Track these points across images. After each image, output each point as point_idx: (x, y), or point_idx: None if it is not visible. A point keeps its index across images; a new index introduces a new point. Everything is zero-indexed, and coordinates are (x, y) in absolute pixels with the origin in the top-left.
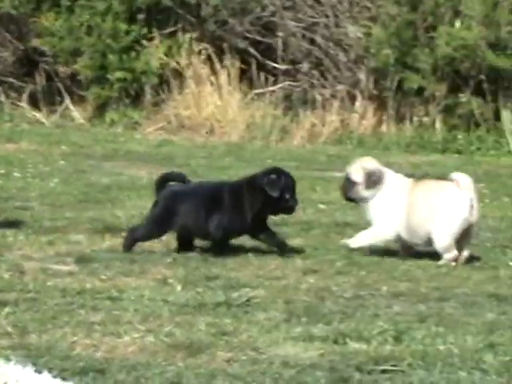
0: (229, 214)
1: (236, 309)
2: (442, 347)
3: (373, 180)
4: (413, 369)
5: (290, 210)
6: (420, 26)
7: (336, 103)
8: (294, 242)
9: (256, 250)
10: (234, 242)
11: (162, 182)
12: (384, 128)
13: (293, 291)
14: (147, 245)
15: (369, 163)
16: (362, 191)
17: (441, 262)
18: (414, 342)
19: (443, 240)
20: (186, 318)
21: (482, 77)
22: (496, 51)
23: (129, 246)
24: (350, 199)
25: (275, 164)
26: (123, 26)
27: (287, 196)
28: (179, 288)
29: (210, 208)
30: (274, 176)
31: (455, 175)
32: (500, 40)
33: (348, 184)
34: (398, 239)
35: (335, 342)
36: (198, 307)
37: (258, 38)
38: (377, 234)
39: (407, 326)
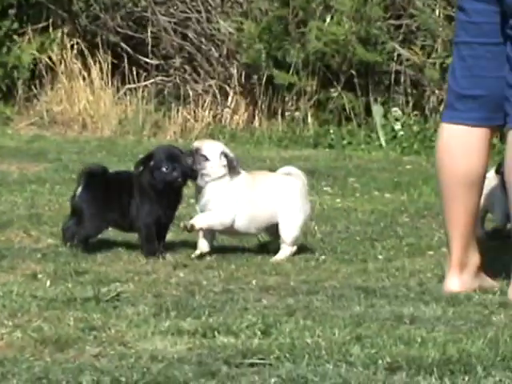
0: (141, 204)
1: (105, 304)
2: (309, 340)
3: (233, 166)
4: (280, 362)
5: (172, 180)
6: (291, 21)
7: (208, 98)
8: None
9: (127, 245)
10: (104, 236)
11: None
12: (256, 123)
13: (162, 285)
14: (17, 240)
15: (226, 149)
16: (212, 170)
17: (280, 257)
18: (282, 336)
19: (292, 232)
20: (55, 313)
21: (353, 72)
22: (366, 46)
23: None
24: (193, 172)
25: None
26: None
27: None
28: (48, 283)
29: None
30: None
31: (287, 168)
32: (370, 35)
33: (198, 157)
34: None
35: (204, 335)
36: (67, 302)
37: (130, 33)
38: (217, 218)
39: (275, 320)
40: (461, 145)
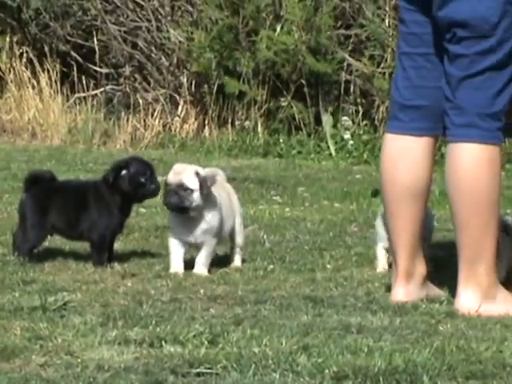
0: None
1: (52, 313)
2: (256, 350)
3: (207, 185)
4: (227, 371)
5: (152, 193)
6: (241, 30)
7: (158, 107)
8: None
9: (74, 254)
10: (51, 245)
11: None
12: (206, 132)
13: (110, 295)
14: None
15: (197, 168)
16: (199, 198)
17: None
18: (229, 345)
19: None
20: (1, 323)
21: (303, 81)
22: (316, 56)
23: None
24: (184, 209)
25: (97, 167)
26: None
27: (143, 181)
28: None
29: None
30: (124, 172)
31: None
32: (320, 45)
33: (183, 192)
34: None
35: (151, 345)
36: (14, 311)
37: (80, 41)
38: (214, 249)
39: (223, 329)
40: (405, 155)
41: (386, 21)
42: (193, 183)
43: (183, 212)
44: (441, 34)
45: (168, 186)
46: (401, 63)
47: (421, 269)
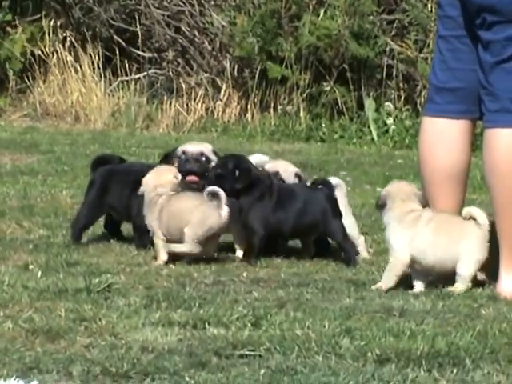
0: None
1: (96, 295)
2: (299, 332)
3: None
4: (270, 353)
5: None
6: (284, 15)
7: (201, 91)
8: None
9: (118, 237)
10: (96, 228)
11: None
12: (249, 116)
13: (154, 277)
14: (9, 231)
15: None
16: None
17: None
18: (272, 327)
19: None
20: (46, 304)
21: (345, 66)
22: (359, 40)
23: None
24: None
25: (140, 151)
26: None
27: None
28: (40, 274)
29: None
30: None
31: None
32: (363, 30)
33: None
34: None
35: (194, 327)
36: (58, 293)
37: (123, 25)
38: None
39: (266, 312)
40: (442, 138)
41: (429, 6)
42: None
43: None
44: (473, 18)
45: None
46: (438, 46)
47: None
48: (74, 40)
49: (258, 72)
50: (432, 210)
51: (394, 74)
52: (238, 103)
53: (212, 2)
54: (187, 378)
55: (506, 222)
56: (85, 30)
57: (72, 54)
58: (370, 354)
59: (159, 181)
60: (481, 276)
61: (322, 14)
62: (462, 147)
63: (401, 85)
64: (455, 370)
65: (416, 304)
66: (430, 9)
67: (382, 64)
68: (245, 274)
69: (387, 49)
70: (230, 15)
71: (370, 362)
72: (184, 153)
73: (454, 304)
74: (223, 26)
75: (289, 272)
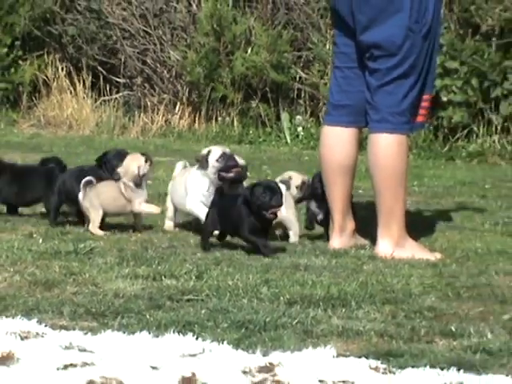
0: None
1: (82, 256)
2: (230, 282)
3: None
4: (209, 298)
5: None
6: (222, 51)
7: (162, 107)
8: None
9: None
10: None
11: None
12: (197, 125)
13: (125, 243)
14: (20, 209)
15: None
16: None
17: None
18: (211, 279)
19: None
20: (45, 262)
21: (267, 89)
22: (277, 70)
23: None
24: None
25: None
26: (4, 50)
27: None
28: (41, 240)
29: None
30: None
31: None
32: (280, 62)
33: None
34: None
35: (154, 279)
36: (54, 254)
37: (105, 59)
38: None
39: (206, 268)
40: (337, 141)
41: (327, 45)
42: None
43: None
44: (362, 53)
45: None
46: (334, 74)
47: (350, 224)
48: (69, 69)
49: (204, 93)
50: None
51: (303, 94)
52: (189, 116)
53: (169, 42)
54: (148, 316)
55: (382, 201)
56: (77, 62)
57: (68, 79)
58: (282, 298)
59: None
60: (363, 241)
61: (249, 50)
62: (352, 147)
63: (307, 102)
64: (344, 310)
65: (316, 261)
66: (327, 47)
67: (294, 87)
68: (191, 241)
69: (297, 76)
70: (182, 51)
71: (282, 304)
72: (224, 153)
73: (344, 261)
74: (178, 60)
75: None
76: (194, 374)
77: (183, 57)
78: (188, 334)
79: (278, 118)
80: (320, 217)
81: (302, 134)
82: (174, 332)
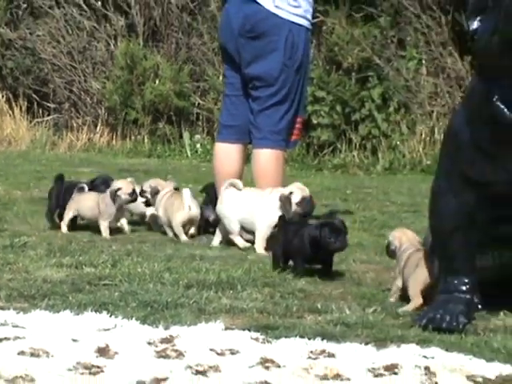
0: None
1: (17, 248)
2: (139, 270)
3: None
4: (121, 283)
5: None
6: (135, 82)
7: (85, 128)
8: None
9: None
10: (18, 209)
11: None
12: (114, 142)
13: (52, 238)
14: None
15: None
16: None
17: None
18: (123, 267)
19: None
20: None
21: (172, 113)
22: (179, 98)
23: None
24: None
25: (47, 163)
26: None
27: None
28: None
29: None
30: None
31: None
32: (182, 91)
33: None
34: None
35: (76, 267)
36: None
37: (38, 87)
38: None
39: (120, 258)
40: (226, 155)
41: (220, 77)
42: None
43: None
44: (246, 84)
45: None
46: (224, 100)
47: None
48: (8, 96)
49: (120, 116)
50: None
51: (200, 117)
52: (108, 134)
53: (91, 75)
54: (70, 298)
55: None
56: (15, 90)
57: (7, 105)
58: (181, 282)
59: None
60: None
61: (157, 81)
62: (239, 160)
63: (204, 124)
64: (231, 291)
65: (210, 252)
66: (220, 79)
67: (193, 112)
68: (108, 237)
69: (196, 103)
70: (102, 82)
71: (181, 287)
72: (304, 198)
73: (232, 253)
74: (98, 89)
75: (135, 235)
76: (107, 345)
77: (103, 87)
78: (103, 313)
79: (181, 137)
80: (211, 218)
81: (200, 149)
82: (91, 311)
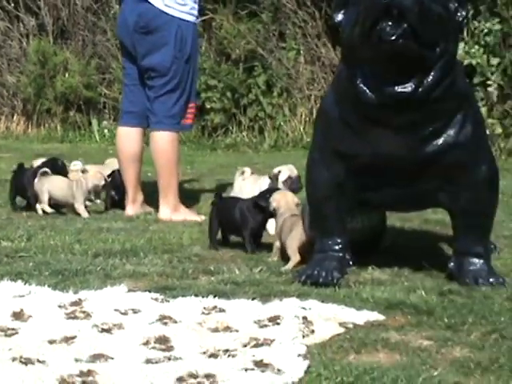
0: None
1: None
2: (52, 242)
3: None
4: (36, 254)
5: None
6: (46, 76)
7: (3, 117)
8: None
9: None
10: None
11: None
12: (30, 130)
13: None
14: None
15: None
16: None
17: None
18: (38, 240)
19: None
20: None
21: (81, 102)
22: (88, 89)
23: None
24: None
25: None
26: None
27: None
28: None
29: None
30: None
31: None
32: (90, 83)
33: None
34: None
35: None
36: None
37: None
38: None
39: (34, 232)
40: (127, 138)
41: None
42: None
43: None
44: (142, 74)
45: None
46: (124, 89)
47: (140, 197)
48: None
49: (35, 106)
50: None
51: (107, 106)
52: (24, 123)
53: (7, 70)
54: None
55: (161, 180)
56: None
57: None
58: (89, 252)
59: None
60: (149, 209)
61: (67, 75)
62: (138, 142)
63: (111, 112)
64: (135, 258)
65: (115, 225)
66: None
67: (101, 101)
68: (24, 214)
69: (103, 93)
70: (17, 76)
71: (89, 256)
72: (290, 177)
73: (135, 224)
74: (14, 82)
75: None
76: (22, 310)
77: (17, 80)
78: (18, 281)
79: (90, 124)
80: (116, 198)
81: (107, 134)
82: (8, 280)
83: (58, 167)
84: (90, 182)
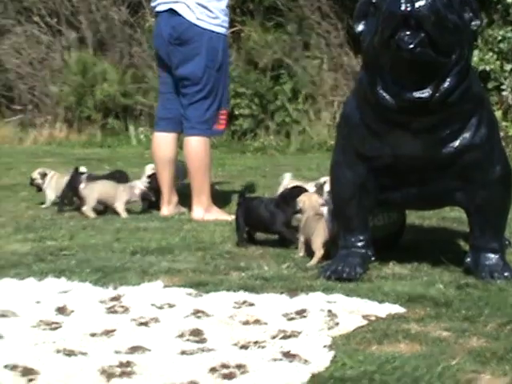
0: None
1: None
2: (93, 241)
3: None
4: (78, 252)
5: None
6: (86, 85)
7: (47, 125)
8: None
9: (6, 197)
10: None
11: None
12: (71, 136)
13: (19, 218)
14: None
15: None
16: None
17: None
18: (79, 239)
19: None
20: None
21: (119, 110)
22: (125, 97)
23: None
24: None
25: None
26: None
27: None
28: None
29: None
30: None
31: None
32: (127, 92)
33: None
34: None
35: (39, 241)
36: None
37: (6, 93)
38: None
39: (76, 232)
40: (162, 142)
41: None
42: None
43: None
44: (177, 83)
45: None
46: (160, 97)
47: (175, 198)
48: None
49: (76, 114)
50: None
51: (144, 113)
52: (66, 130)
53: (50, 80)
54: (34, 267)
55: (195, 182)
56: None
57: None
58: (128, 250)
59: None
60: (183, 209)
61: (105, 84)
62: (173, 147)
63: (147, 118)
64: (170, 256)
65: (152, 224)
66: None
67: (137, 108)
68: (66, 215)
69: (139, 101)
70: (59, 86)
71: (128, 254)
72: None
73: (170, 224)
74: (56, 92)
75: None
76: (65, 305)
77: (60, 90)
78: (62, 278)
79: (127, 129)
80: (153, 199)
81: (143, 139)
82: (52, 277)
83: (123, 180)
84: (137, 188)
